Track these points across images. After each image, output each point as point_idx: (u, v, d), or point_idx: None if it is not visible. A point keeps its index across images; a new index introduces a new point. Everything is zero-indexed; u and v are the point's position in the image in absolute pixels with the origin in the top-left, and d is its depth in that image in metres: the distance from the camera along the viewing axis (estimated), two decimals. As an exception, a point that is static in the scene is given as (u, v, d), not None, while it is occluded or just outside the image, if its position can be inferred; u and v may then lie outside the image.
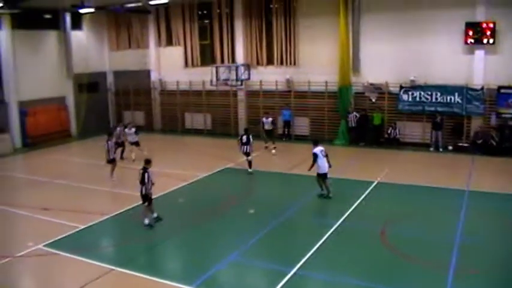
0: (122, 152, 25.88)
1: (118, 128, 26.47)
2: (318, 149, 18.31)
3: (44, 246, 14.75)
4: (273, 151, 26.74)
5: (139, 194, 16.36)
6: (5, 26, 30.29)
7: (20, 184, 23.21)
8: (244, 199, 19.04)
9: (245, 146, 22.39)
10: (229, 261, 13.38)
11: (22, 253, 14.33)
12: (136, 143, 25.84)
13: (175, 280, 12.28)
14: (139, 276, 12.58)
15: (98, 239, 15.94)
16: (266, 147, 27.39)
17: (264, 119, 27.88)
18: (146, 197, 16.28)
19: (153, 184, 16.25)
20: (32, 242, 14.95)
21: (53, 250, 14.46)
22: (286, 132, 30.28)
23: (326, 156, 18.27)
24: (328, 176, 18.37)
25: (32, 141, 31.34)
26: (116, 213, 17.62)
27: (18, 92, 31.28)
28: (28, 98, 31.72)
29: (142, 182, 16.18)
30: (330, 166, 18.29)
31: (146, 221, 16.27)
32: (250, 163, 22.58)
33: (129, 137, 25.86)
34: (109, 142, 22.18)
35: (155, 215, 16.67)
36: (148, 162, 16.47)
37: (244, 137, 22.49)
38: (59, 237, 15.37)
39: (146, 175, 16.13)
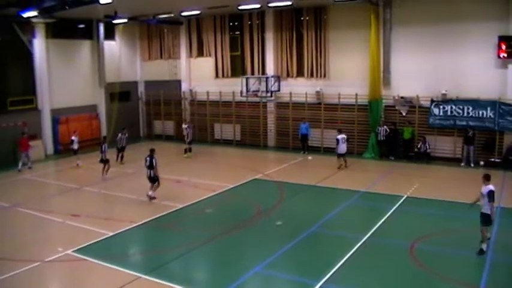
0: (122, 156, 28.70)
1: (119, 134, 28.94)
2: (340, 136, 25.65)
3: (73, 251, 14.94)
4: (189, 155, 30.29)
5: (147, 177, 20.14)
6: (39, 35, 30.96)
7: (50, 190, 23.65)
8: (272, 211, 18.97)
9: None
10: (255, 273, 13.31)
11: (51, 258, 14.53)
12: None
13: (201, 290, 12.29)
14: (165, 285, 12.62)
15: (125, 247, 16.11)
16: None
17: (184, 126, 31.20)
18: (154, 179, 20.05)
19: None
20: (61, 248, 15.17)
21: (82, 256, 14.63)
22: (304, 146, 30.13)
23: (346, 142, 25.83)
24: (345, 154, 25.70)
25: (63, 148, 31.81)
26: (145, 221, 17.74)
27: (51, 100, 31.88)
28: (61, 106, 32.36)
29: (150, 167, 19.93)
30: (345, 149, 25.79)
31: (150, 193, 20.07)
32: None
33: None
34: (104, 145, 25.18)
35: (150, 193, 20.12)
36: (153, 150, 20.31)
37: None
38: (87, 244, 15.55)
39: (154, 161, 19.86)
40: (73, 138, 28.71)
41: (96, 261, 14.24)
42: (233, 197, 21.33)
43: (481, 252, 14.11)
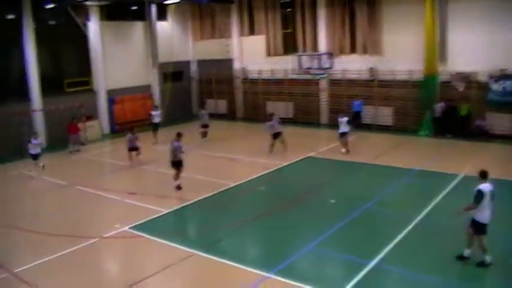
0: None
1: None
2: (344, 119, 23.67)
3: (130, 228, 15.33)
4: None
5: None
6: (93, 18, 31.57)
7: (108, 169, 24.26)
8: (325, 189, 18.89)
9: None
10: (308, 251, 13.34)
11: (109, 234, 14.96)
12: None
13: (254, 266, 12.39)
14: (219, 261, 12.82)
15: (180, 224, 16.45)
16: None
17: (153, 112, 29.51)
18: (177, 164, 19.16)
19: (182, 152, 19.13)
20: (119, 224, 15.59)
21: (138, 232, 14.99)
22: (357, 123, 29.61)
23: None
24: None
25: (119, 128, 32.51)
26: (198, 199, 18.00)
27: (106, 81, 32.57)
28: (116, 87, 33.03)
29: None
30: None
31: (176, 183, 19.27)
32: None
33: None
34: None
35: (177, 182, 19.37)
36: (179, 135, 19.46)
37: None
38: (143, 221, 15.93)
39: (172, 146, 19.09)
40: (33, 141, 22.76)
41: (152, 237, 14.57)
42: (287, 174, 21.36)
43: (481, 264, 11.94)
